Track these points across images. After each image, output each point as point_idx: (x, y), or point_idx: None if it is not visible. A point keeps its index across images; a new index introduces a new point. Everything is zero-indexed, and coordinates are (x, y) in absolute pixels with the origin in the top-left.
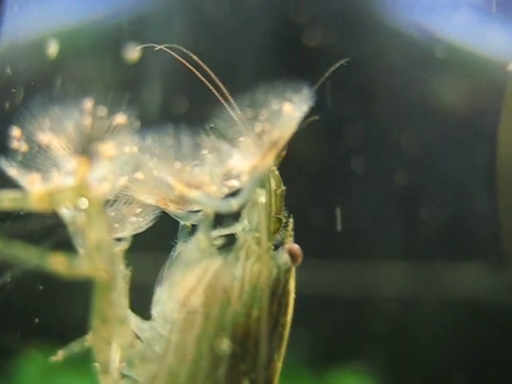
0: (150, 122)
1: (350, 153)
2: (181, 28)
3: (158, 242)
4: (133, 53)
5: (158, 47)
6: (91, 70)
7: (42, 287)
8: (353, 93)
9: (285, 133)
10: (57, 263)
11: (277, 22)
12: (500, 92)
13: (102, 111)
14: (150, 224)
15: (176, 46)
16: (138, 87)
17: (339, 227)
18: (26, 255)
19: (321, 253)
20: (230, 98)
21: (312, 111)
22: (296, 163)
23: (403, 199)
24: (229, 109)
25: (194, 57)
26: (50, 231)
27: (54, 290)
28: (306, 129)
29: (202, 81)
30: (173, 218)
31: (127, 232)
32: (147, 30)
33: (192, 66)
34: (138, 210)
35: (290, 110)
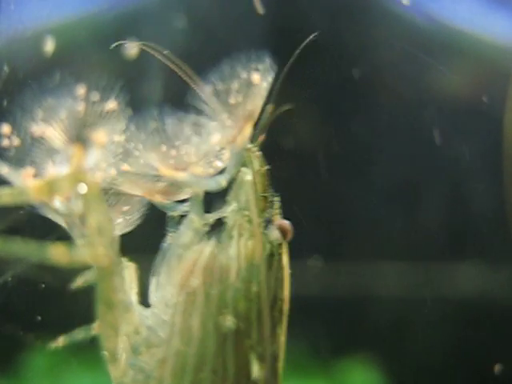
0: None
1: (351, 149)
2: (177, 23)
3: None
4: (130, 48)
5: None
6: (88, 64)
7: (43, 284)
8: (355, 81)
9: (256, 103)
10: (57, 254)
11: (274, 15)
12: (507, 78)
13: (95, 97)
14: (137, 222)
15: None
16: (135, 81)
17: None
18: (26, 249)
19: (321, 253)
20: (197, 79)
21: (313, 101)
22: (295, 162)
23: (403, 197)
24: (199, 88)
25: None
26: (51, 228)
27: (58, 284)
28: (305, 121)
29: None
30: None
31: (116, 233)
32: (144, 24)
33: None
34: (125, 208)
35: (257, 79)
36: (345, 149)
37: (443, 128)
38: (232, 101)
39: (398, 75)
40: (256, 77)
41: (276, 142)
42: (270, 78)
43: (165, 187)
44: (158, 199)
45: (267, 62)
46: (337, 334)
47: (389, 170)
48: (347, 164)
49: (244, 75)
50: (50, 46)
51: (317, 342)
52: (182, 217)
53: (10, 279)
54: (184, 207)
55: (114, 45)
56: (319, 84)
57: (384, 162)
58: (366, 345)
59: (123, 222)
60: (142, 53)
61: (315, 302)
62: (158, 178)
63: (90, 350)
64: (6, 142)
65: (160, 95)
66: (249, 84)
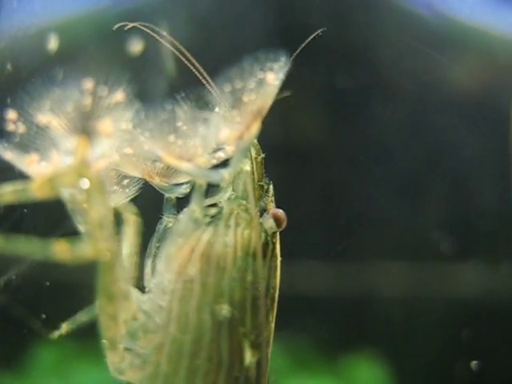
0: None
1: (354, 148)
2: (181, 18)
3: None
4: (134, 43)
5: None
6: (92, 61)
7: (48, 282)
8: (362, 76)
9: (266, 101)
10: (60, 251)
11: (277, 10)
12: None
13: (101, 90)
14: (135, 194)
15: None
16: (140, 77)
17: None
18: (29, 247)
19: (327, 253)
20: (208, 77)
21: (317, 95)
22: (296, 162)
23: (404, 197)
24: (210, 84)
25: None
26: (55, 225)
27: (62, 282)
28: (307, 118)
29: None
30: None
31: (112, 202)
32: (148, 21)
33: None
34: (125, 182)
35: (271, 79)
36: (347, 148)
37: (449, 124)
38: (245, 98)
39: (404, 70)
40: (271, 76)
41: (277, 140)
42: (281, 76)
43: (164, 169)
44: (157, 181)
45: (282, 60)
46: (343, 332)
47: (391, 168)
48: (349, 163)
49: (260, 75)
50: (53, 43)
51: (323, 339)
52: (179, 199)
53: (14, 277)
54: (182, 189)
55: (117, 26)
56: (324, 80)
57: (387, 161)
58: (372, 342)
59: (121, 193)
60: (145, 50)
61: (321, 300)
62: (157, 160)
63: (95, 346)
64: (12, 127)
65: (165, 88)
66: (262, 82)
